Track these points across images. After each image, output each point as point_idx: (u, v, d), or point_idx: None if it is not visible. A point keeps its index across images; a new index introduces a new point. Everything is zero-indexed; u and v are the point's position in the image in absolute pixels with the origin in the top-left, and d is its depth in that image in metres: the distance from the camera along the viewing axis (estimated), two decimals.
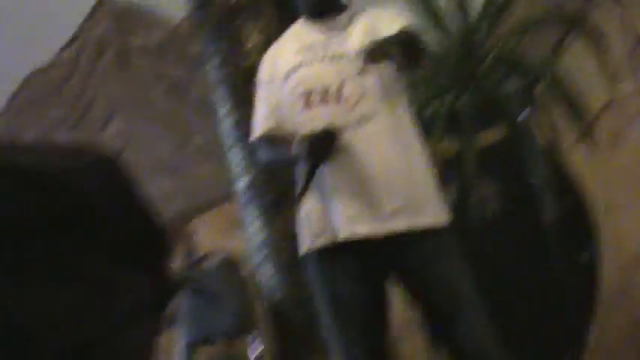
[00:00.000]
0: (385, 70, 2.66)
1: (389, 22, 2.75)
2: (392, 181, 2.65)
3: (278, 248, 3.72)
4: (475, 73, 4.37)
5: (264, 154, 2.86)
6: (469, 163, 3.95)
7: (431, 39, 4.46)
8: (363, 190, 2.63)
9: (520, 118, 4.01)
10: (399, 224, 2.62)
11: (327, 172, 2.65)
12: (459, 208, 2.99)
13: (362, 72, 2.61)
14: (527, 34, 4.64)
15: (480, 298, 2.75)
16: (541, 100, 4.59)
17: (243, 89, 3.76)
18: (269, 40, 3.52)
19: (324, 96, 2.66)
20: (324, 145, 2.58)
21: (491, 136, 4.15)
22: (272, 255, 3.75)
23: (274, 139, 2.78)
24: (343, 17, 2.78)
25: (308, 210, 2.71)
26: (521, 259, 4.03)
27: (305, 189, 2.67)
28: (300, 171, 2.71)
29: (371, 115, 2.66)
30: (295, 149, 2.65)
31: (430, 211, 2.69)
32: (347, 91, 2.66)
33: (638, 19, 4.56)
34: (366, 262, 2.67)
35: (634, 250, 4.58)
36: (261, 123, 2.78)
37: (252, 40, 3.90)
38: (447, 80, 4.38)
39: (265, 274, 3.80)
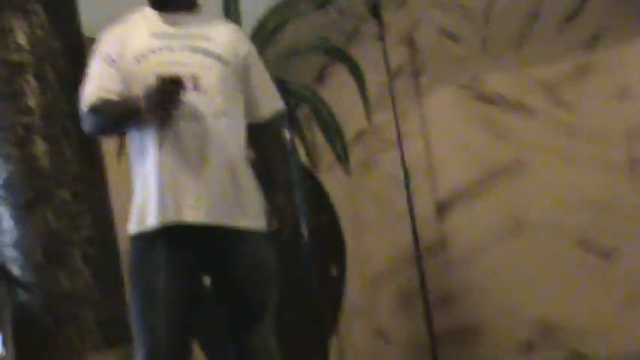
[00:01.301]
0: (234, 86, 2.82)
1: (266, 92, 2.94)
2: (227, 178, 2.74)
3: (30, 248, 3.66)
4: None
5: (94, 121, 2.81)
6: None
7: None
8: (199, 181, 2.70)
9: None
10: (226, 220, 2.71)
11: (166, 156, 2.70)
12: None
13: (220, 75, 2.77)
14: (293, 60, 4.92)
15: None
16: (303, 122, 4.89)
17: (9, 82, 3.71)
18: (36, 34, 3.49)
19: (185, 82, 2.69)
20: (175, 91, 2.59)
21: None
22: (23, 255, 3.68)
23: (103, 108, 2.77)
24: (200, 15, 2.89)
25: (140, 190, 2.74)
26: (280, 269, 4.28)
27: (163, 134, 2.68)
28: (147, 125, 2.69)
29: (225, 112, 2.77)
30: (143, 99, 2.63)
31: (254, 215, 2.80)
32: (207, 83, 2.75)
33: (395, 56, 4.95)
34: (187, 251, 2.72)
35: (378, 268, 4.95)
36: (96, 93, 2.79)
37: (20, 33, 3.83)
38: None
39: (15, 274, 3.72)
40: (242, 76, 2.86)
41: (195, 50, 2.79)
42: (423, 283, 4.22)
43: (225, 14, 4.62)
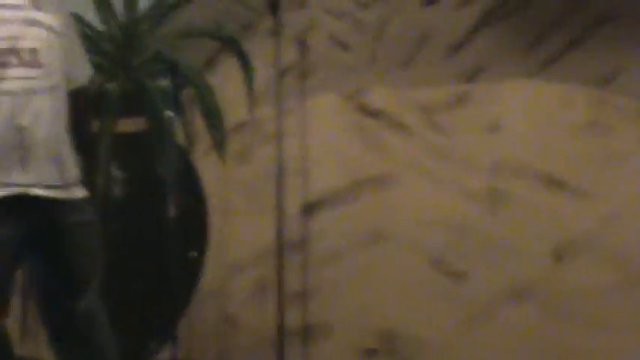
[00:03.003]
0: (63, 57, 2.81)
1: (79, 56, 2.94)
2: (59, 152, 2.76)
3: None
4: (132, 62, 4.59)
5: None
6: (104, 145, 4.19)
7: (99, 17, 4.62)
8: (28, 152, 2.70)
9: (165, 116, 4.26)
10: (48, 191, 2.73)
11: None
12: (88, 185, 3.17)
13: (58, 46, 2.75)
14: (186, 42, 4.95)
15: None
16: (187, 105, 4.92)
17: None
18: None
19: (19, 57, 2.69)
20: None
21: (133, 124, 4.40)
22: None
23: None
24: None
25: None
26: (139, 245, 4.31)
27: None
28: None
29: (58, 86, 2.78)
30: None
31: (77, 186, 2.84)
32: (41, 57, 2.73)
33: (287, 55, 5.03)
34: (16, 220, 2.72)
35: (238, 256, 5.02)
36: None
37: None
38: (105, 61, 4.56)
39: None
40: (68, 47, 2.87)
41: (28, 22, 2.75)
42: (280, 278, 4.32)
43: None
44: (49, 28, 2.77)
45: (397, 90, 4.94)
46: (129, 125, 4.39)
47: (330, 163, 4.97)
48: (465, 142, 4.74)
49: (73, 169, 2.86)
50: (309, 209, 4.95)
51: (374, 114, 4.96)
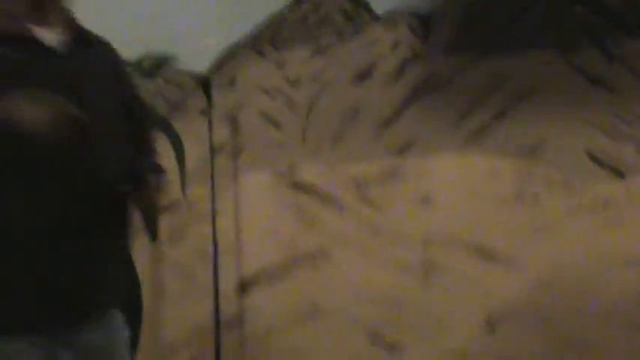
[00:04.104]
0: None
1: None
2: None
3: None
4: None
5: None
6: None
7: None
8: None
9: None
10: None
11: None
12: None
13: None
14: None
15: None
16: None
17: None
18: None
19: None
20: None
21: None
22: None
23: None
24: None
25: None
26: None
27: None
28: None
29: None
30: None
31: None
32: None
33: (218, 133, 5.07)
34: None
35: (172, 338, 4.97)
36: None
37: None
38: None
39: None
40: None
41: None
42: (217, 357, 4.27)
43: None
44: None
45: (329, 166, 5.01)
46: None
47: (264, 239, 4.98)
48: (396, 216, 4.81)
49: None
50: (245, 286, 4.94)
51: (306, 190, 5.01)
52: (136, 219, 4.84)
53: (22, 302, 1.83)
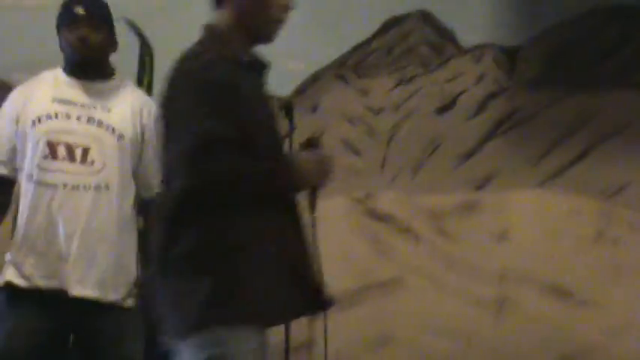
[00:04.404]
0: (126, 160, 2.82)
1: (156, 173, 2.90)
2: (95, 250, 2.76)
3: None
4: None
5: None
6: None
7: None
8: (72, 249, 2.74)
9: None
10: (88, 292, 2.73)
11: (30, 221, 2.74)
12: None
13: (111, 148, 2.78)
14: None
15: None
16: None
17: None
18: None
19: (71, 153, 2.74)
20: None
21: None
22: None
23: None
24: (111, 84, 2.87)
25: (19, 243, 2.76)
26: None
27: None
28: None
29: (107, 186, 2.79)
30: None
31: (120, 289, 2.79)
32: (93, 155, 2.77)
33: None
34: (51, 317, 2.74)
35: None
36: None
37: None
38: None
39: None
40: (138, 150, 2.86)
41: (90, 121, 2.81)
42: None
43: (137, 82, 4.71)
44: (113, 131, 2.81)
45: (406, 195, 5.00)
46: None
47: (337, 265, 4.99)
48: (472, 250, 4.77)
49: (115, 270, 2.80)
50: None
51: (383, 218, 5.00)
52: None
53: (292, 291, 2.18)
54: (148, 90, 4.09)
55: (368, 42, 6.36)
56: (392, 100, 5.32)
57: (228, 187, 2.08)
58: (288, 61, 5.85)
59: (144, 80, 4.30)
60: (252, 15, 2.22)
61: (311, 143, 2.40)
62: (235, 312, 2.09)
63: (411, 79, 5.62)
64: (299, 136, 5.13)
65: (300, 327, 4.77)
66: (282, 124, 4.74)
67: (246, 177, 2.13)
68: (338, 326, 4.90)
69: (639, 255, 4.60)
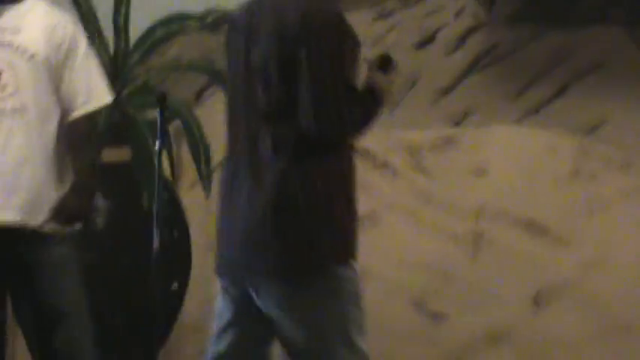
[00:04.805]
0: (42, 81, 2.77)
1: (81, 89, 2.84)
2: (15, 175, 2.72)
3: None
4: (120, 93, 4.61)
5: None
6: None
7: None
8: None
9: (151, 148, 4.27)
10: (9, 217, 2.71)
11: None
12: None
13: (26, 70, 2.72)
14: (176, 74, 4.98)
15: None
16: (174, 137, 4.93)
17: None
18: None
19: None
20: None
21: (118, 154, 4.40)
22: None
23: None
24: (22, 7, 2.81)
25: None
26: (120, 276, 4.30)
27: None
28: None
29: (24, 110, 2.75)
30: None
31: (43, 215, 2.77)
32: (6, 79, 2.73)
33: None
34: None
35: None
36: None
37: None
38: None
39: None
40: (57, 68, 2.81)
41: (2, 45, 2.76)
42: None
43: (114, 18, 4.65)
44: (24, 52, 2.75)
45: (384, 131, 4.97)
46: (114, 155, 4.39)
47: None
48: (449, 186, 4.77)
49: (37, 194, 2.76)
50: None
51: (360, 154, 4.98)
52: (192, 172, 4.85)
53: None
54: None
55: None
56: (371, 34, 5.26)
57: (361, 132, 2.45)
58: None
59: None
60: None
61: (384, 61, 2.57)
62: (350, 251, 2.40)
63: (390, 13, 5.55)
64: None
65: None
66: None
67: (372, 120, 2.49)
68: None
69: (615, 191, 4.62)
